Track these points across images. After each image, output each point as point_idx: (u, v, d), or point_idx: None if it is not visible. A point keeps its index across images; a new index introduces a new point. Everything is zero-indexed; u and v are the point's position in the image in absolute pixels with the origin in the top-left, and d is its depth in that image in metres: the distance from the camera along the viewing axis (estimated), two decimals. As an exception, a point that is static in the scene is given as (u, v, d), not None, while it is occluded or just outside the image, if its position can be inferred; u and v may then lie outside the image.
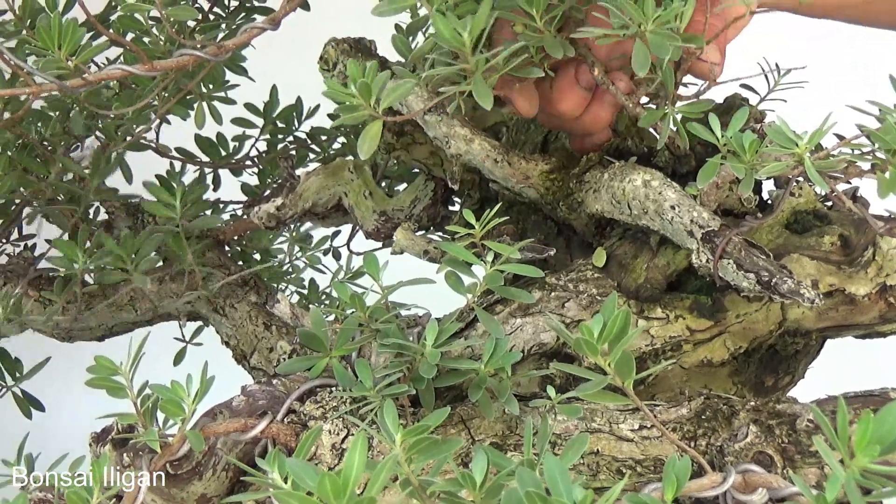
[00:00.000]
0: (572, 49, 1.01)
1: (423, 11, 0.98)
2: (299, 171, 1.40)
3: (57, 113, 1.37)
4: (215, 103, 1.40)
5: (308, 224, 1.53)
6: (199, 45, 1.05)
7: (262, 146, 1.57)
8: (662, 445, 0.97)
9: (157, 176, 1.53)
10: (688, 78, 1.08)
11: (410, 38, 1.30)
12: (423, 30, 1.28)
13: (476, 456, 0.76)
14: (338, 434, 0.97)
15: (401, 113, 1.17)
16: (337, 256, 1.68)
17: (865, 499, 0.69)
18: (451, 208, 1.34)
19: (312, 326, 1.03)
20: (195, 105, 1.38)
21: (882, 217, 1.06)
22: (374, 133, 0.95)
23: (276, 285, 1.65)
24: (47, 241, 1.42)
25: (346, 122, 0.96)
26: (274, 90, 1.54)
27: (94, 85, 1.06)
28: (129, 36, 1.22)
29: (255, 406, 0.99)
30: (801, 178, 0.94)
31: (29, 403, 1.35)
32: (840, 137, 0.92)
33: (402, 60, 1.21)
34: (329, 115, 1.51)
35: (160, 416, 0.92)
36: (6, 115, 1.32)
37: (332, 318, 1.07)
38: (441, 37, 0.94)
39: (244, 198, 1.60)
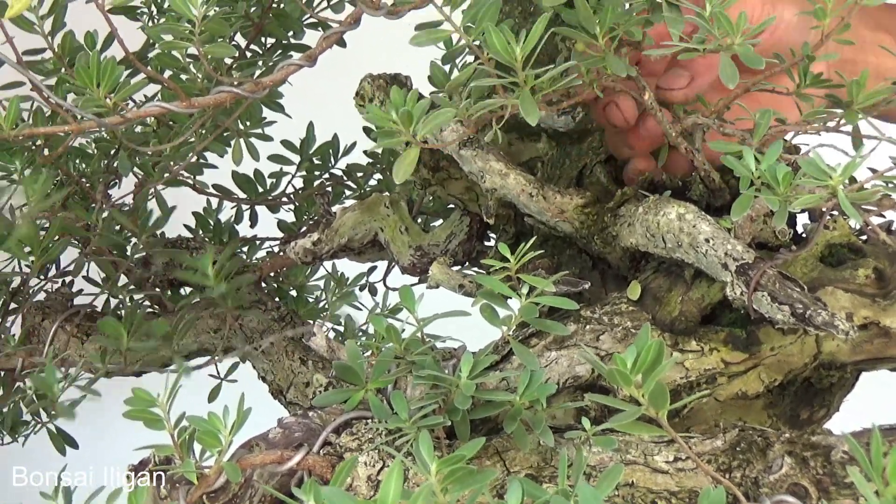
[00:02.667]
0: (634, 69, 1.02)
1: (456, 38, 0.98)
2: (335, 207, 1.41)
3: (97, 150, 1.39)
4: (252, 140, 1.41)
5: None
6: (236, 83, 1.06)
7: (299, 183, 1.58)
8: (697, 477, 0.97)
9: (195, 213, 1.55)
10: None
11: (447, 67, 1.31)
12: (459, 60, 1.29)
13: (511, 487, 0.77)
14: (373, 465, 0.97)
15: (438, 149, 1.18)
16: (373, 292, 1.69)
17: (900, 528, 0.69)
18: (486, 243, 1.34)
19: (348, 359, 1.04)
20: (232, 142, 1.39)
21: (917, 250, 1.06)
22: (411, 160, 0.96)
23: (312, 321, 1.66)
24: (84, 277, 1.44)
25: (384, 146, 0.97)
26: (310, 127, 1.54)
27: (133, 122, 1.07)
28: (167, 73, 1.23)
29: (291, 438, 1.00)
30: (835, 211, 0.94)
31: (63, 440, 1.36)
32: (874, 170, 0.92)
33: (438, 95, 1.22)
34: (365, 152, 1.52)
35: (197, 447, 0.93)
36: (46, 151, 1.33)
37: (368, 351, 1.07)
38: (493, 49, 0.94)
39: (281, 234, 1.61)
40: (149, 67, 1.14)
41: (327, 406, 1.04)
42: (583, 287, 1.11)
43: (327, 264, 1.65)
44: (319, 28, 1.34)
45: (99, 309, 1.45)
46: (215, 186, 1.54)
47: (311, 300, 1.70)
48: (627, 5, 0.99)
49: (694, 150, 1.10)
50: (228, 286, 1.23)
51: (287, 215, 1.61)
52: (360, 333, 1.73)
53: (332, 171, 1.57)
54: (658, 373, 0.82)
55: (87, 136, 1.39)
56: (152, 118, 1.30)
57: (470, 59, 1.35)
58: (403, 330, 1.06)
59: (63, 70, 1.20)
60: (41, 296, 1.44)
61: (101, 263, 1.40)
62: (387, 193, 1.42)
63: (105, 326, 1.26)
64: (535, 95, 0.99)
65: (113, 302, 1.44)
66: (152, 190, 1.42)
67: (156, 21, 1.30)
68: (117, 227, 1.46)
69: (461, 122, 1.08)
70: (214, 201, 1.57)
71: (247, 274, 1.40)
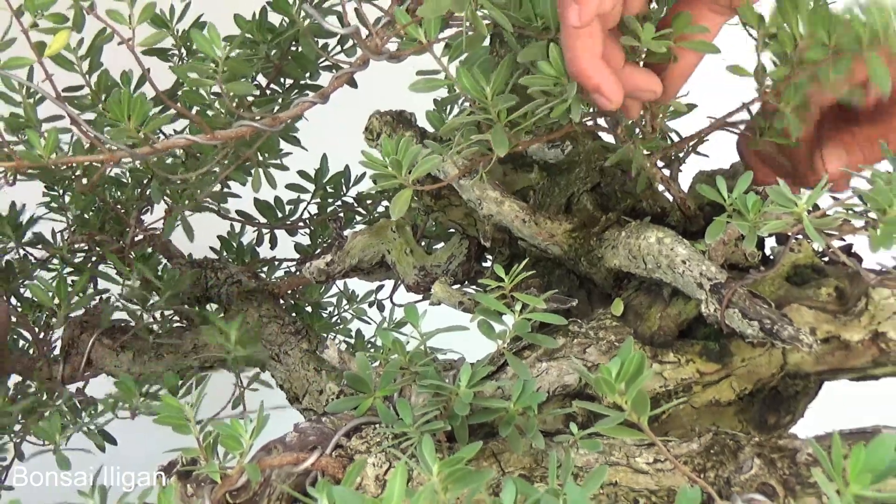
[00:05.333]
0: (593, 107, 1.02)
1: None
2: (347, 232, 1.41)
3: (131, 179, 1.39)
4: (271, 170, 1.41)
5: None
6: (256, 117, 1.07)
7: (314, 209, 1.58)
8: (675, 477, 0.96)
9: (220, 237, 1.55)
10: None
11: (447, 108, 1.31)
12: (459, 103, 1.30)
13: (505, 486, 0.77)
14: (381, 466, 0.97)
15: (439, 178, 1.18)
16: (381, 308, 1.69)
17: (859, 523, 0.69)
18: (483, 264, 1.34)
19: (358, 370, 1.04)
20: (253, 171, 1.39)
21: (874, 270, 1.06)
22: (405, 199, 0.97)
23: (325, 334, 1.66)
24: (119, 295, 1.44)
25: (382, 188, 0.97)
26: (324, 158, 1.54)
27: (162, 153, 1.07)
28: (194, 109, 1.23)
29: (306, 441, 0.99)
30: (800, 236, 0.94)
31: (103, 438, 1.36)
32: (835, 198, 0.92)
33: (430, 140, 1.22)
34: (371, 178, 1.52)
35: (220, 450, 0.93)
36: (84, 180, 1.33)
37: (376, 362, 1.07)
38: (464, 87, 0.97)
39: (297, 256, 1.61)
40: (177, 103, 1.14)
41: (339, 412, 1.04)
42: (571, 304, 1.11)
43: (339, 283, 1.65)
44: (333, 69, 1.34)
45: (132, 323, 1.45)
46: (238, 212, 1.54)
47: (324, 315, 1.70)
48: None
49: (670, 181, 1.10)
50: (245, 353, 1.24)
51: (303, 238, 1.61)
52: (369, 346, 1.73)
53: (344, 198, 1.57)
54: (639, 382, 0.82)
55: (123, 167, 1.39)
56: (180, 150, 1.30)
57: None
58: (408, 343, 1.06)
59: (99, 105, 1.20)
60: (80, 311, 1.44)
61: (133, 291, 1.40)
62: (393, 219, 1.42)
63: (120, 385, 1.27)
64: (516, 129, 1.00)
65: (145, 317, 1.44)
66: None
67: (184, 61, 1.30)
68: (149, 250, 1.47)
69: (459, 156, 1.08)
70: (237, 226, 1.57)
71: (264, 350, 1.40)
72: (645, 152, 1.08)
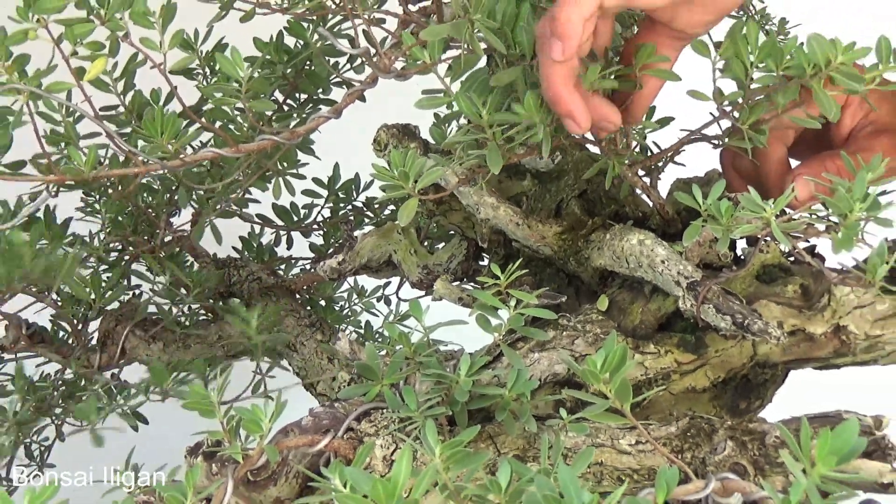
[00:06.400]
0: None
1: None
2: (357, 233, 1.41)
3: (161, 187, 1.39)
4: (288, 178, 1.41)
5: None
6: (275, 132, 1.06)
7: (327, 213, 1.57)
8: (655, 457, 0.96)
9: (241, 238, 1.55)
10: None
11: (448, 125, 1.31)
12: (458, 120, 1.30)
13: (501, 466, 0.76)
14: (388, 448, 0.97)
15: (441, 187, 1.18)
16: (388, 303, 1.68)
17: (824, 501, 0.69)
18: (480, 263, 1.34)
19: (367, 359, 1.04)
20: (272, 180, 1.39)
21: (835, 270, 1.05)
22: (412, 207, 0.98)
23: (337, 326, 1.65)
24: (151, 290, 1.43)
25: (391, 197, 0.98)
26: (336, 167, 1.54)
27: (190, 164, 1.07)
28: (218, 124, 1.23)
29: (320, 425, 0.99)
30: (768, 238, 0.94)
31: (136, 418, 1.35)
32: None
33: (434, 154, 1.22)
34: (381, 188, 1.51)
35: (242, 433, 0.92)
36: (119, 188, 1.33)
37: (383, 352, 1.06)
38: (464, 111, 0.97)
39: (312, 255, 1.60)
40: (203, 119, 1.14)
41: (350, 398, 1.03)
42: (560, 300, 1.11)
43: (350, 280, 1.64)
44: (344, 86, 1.34)
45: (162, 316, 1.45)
46: (258, 216, 1.54)
47: (336, 309, 1.70)
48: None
49: (650, 188, 1.10)
50: (265, 339, 1.24)
51: (317, 239, 1.60)
52: (377, 337, 1.72)
53: (354, 203, 1.57)
54: (622, 371, 0.82)
55: (153, 176, 1.39)
56: (206, 161, 1.30)
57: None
58: (412, 335, 1.06)
59: (133, 122, 1.20)
60: (115, 305, 1.44)
61: (164, 289, 1.40)
62: (401, 225, 1.41)
63: (153, 371, 1.27)
64: (512, 144, 1.00)
65: (174, 310, 1.43)
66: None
67: (209, 81, 1.30)
68: (177, 250, 1.47)
69: (460, 167, 1.08)
70: (258, 228, 1.57)
71: (282, 334, 1.40)
72: (626, 163, 1.08)
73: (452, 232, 1.33)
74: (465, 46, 0.97)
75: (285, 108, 1.37)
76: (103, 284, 1.35)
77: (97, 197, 1.39)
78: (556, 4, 0.92)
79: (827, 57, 0.90)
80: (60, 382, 1.39)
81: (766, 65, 0.96)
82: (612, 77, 1.01)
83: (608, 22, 0.99)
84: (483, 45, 0.97)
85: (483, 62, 1.06)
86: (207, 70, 1.31)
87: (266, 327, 1.27)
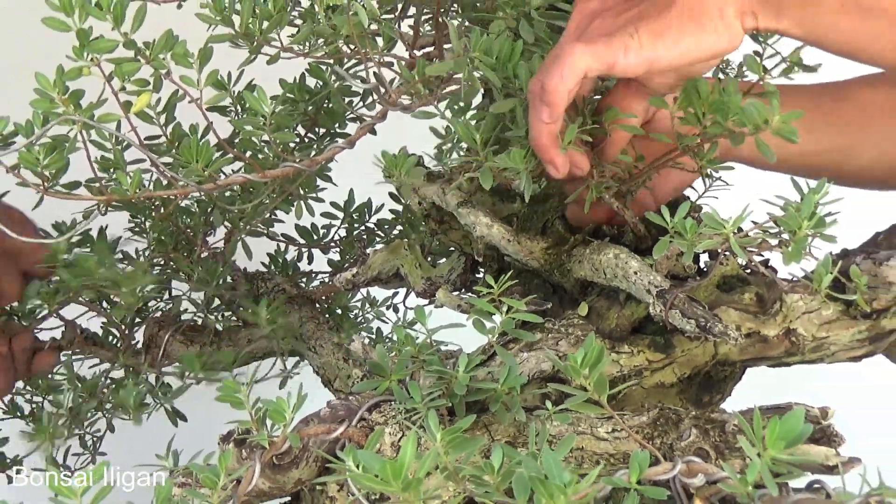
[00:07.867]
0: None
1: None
2: (369, 250, 1.41)
3: (198, 209, 1.39)
4: (310, 202, 1.41)
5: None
6: (297, 160, 1.07)
7: (343, 232, 1.57)
8: (629, 443, 0.96)
9: (269, 254, 1.55)
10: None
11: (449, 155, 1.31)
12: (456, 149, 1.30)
13: (494, 450, 0.77)
14: (395, 435, 0.97)
15: (443, 208, 1.19)
16: (396, 310, 1.68)
17: (775, 480, 0.69)
18: (477, 275, 1.34)
19: (378, 359, 1.04)
20: (295, 203, 1.39)
21: (786, 280, 1.06)
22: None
23: (352, 331, 1.65)
24: (188, 299, 1.44)
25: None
26: (351, 192, 1.54)
27: (223, 188, 1.08)
28: (248, 153, 1.23)
29: (336, 415, 0.99)
30: (727, 252, 0.94)
31: (176, 415, 1.36)
32: (755, 223, 0.93)
33: (440, 169, 1.23)
34: (391, 211, 1.52)
35: (269, 422, 0.92)
36: (162, 210, 1.33)
37: (392, 353, 1.07)
38: (461, 136, 1.01)
39: (329, 269, 1.61)
40: (234, 149, 1.14)
41: (363, 392, 1.03)
42: (546, 307, 1.10)
43: (363, 290, 1.64)
44: (358, 121, 1.34)
45: (200, 322, 1.46)
46: (283, 235, 1.54)
47: (351, 316, 1.70)
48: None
49: (625, 209, 1.10)
50: (275, 327, 1.30)
51: (334, 256, 1.60)
52: (387, 340, 1.72)
53: (367, 224, 1.57)
54: (600, 368, 0.82)
55: (191, 199, 1.39)
56: (237, 185, 1.30)
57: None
58: (417, 337, 1.06)
59: (173, 150, 1.20)
60: (158, 313, 1.44)
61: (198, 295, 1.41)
62: (406, 240, 1.42)
63: (187, 360, 1.29)
64: (503, 170, 1.02)
65: (209, 318, 1.44)
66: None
67: (239, 116, 1.30)
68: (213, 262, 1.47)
69: (459, 189, 1.09)
70: (283, 245, 1.57)
71: (290, 318, 1.40)
72: (605, 186, 1.08)
73: (452, 248, 1.33)
74: (465, 83, 0.98)
75: (306, 140, 1.37)
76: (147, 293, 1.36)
77: (143, 219, 1.39)
78: (545, 70, 0.96)
79: (765, 118, 0.90)
80: (109, 380, 1.40)
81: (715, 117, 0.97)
82: (587, 130, 1.04)
83: (589, 81, 1.03)
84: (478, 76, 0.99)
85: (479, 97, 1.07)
86: (239, 107, 1.31)
87: (279, 324, 1.31)
